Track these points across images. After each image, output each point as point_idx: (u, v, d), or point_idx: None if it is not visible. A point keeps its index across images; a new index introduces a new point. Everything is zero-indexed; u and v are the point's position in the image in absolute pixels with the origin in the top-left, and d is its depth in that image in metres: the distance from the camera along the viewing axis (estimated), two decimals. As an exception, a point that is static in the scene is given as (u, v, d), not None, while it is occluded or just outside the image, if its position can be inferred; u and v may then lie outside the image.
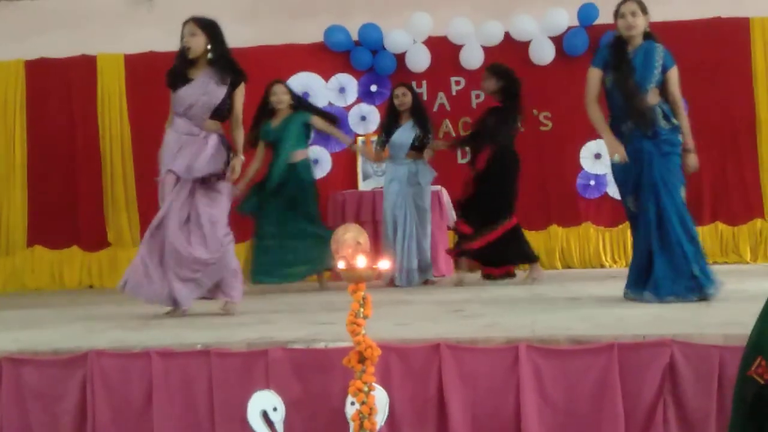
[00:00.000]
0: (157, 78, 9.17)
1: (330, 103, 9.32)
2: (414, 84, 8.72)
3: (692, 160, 5.42)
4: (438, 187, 8.35)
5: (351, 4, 9.36)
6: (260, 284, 7.36)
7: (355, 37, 9.23)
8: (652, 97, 5.29)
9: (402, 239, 7.59)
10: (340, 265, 3.32)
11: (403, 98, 7.71)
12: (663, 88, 5.39)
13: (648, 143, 5.25)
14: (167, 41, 9.28)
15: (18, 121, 9.55)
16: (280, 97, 7.58)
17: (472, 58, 9.14)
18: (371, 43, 9.18)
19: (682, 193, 5.32)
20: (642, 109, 5.23)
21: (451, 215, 8.24)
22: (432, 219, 8.00)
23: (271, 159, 7.57)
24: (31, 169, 9.53)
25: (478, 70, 9.17)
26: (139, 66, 9.36)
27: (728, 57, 8.96)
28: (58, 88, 9.48)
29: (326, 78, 9.35)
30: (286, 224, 7.45)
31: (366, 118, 9.31)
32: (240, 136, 5.77)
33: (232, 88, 5.55)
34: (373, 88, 9.31)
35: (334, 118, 7.92)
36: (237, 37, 9.25)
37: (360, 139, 9.26)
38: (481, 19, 9.11)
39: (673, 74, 5.38)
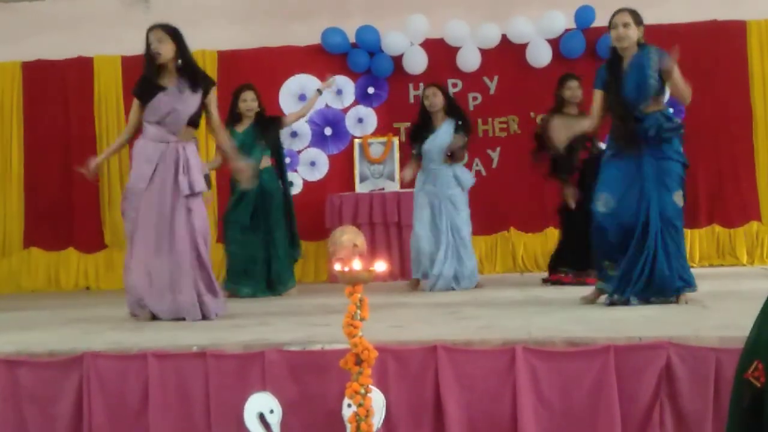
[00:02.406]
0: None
1: (327, 105, 9.33)
2: (416, 85, 8.76)
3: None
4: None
5: (348, 6, 9.37)
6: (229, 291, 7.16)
7: (352, 39, 9.23)
8: (654, 105, 5.27)
9: (443, 246, 7.24)
10: (337, 267, 3.32)
11: (434, 99, 7.32)
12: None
13: (644, 152, 5.27)
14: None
15: (15, 122, 9.54)
16: (250, 104, 7.50)
17: (469, 60, 9.14)
18: (368, 45, 9.18)
19: (679, 200, 5.29)
20: (630, 134, 5.27)
21: None
22: None
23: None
24: (27, 171, 9.52)
25: (475, 72, 9.19)
26: (135, 68, 9.16)
27: (724, 60, 8.98)
28: (55, 90, 9.47)
29: (323, 80, 9.34)
30: (249, 234, 7.39)
31: (363, 121, 9.31)
32: (227, 139, 5.74)
33: (204, 95, 5.51)
34: (370, 90, 9.31)
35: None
36: (234, 39, 9.37)
37: (357, 141, 9.28)
38: (478, 21, 9.12)
39: (672, 71, 5.33)
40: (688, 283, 5.23)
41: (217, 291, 5.43)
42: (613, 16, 5.42)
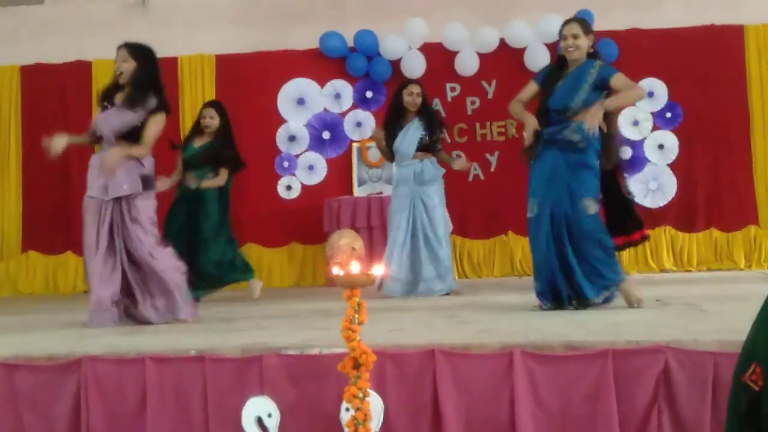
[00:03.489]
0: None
1: (325, 109, 9.34)
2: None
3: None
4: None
5: (346, 10, 9.38)
6: None
7: (350, 43, 9.24)
8: (580, 116, 5.27)
9: (402, 246, 7.10)
10: (335, 270, 3.32)
11: (417, 98, 7.24)
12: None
13: (561, 156, 5.35)
14: (162, 47, 9.32)
15: (13, 126, 9.55)
16: (208, 122, 7.50)
17: (468, 64, 9.15)
18: (366, 49, 9.19)
19: (593, 208, 5.30)
20: (531, 141, 5.44)
21: None
22: None
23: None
24: (26, 175, 9.53)
25: (473, 76, 9.20)
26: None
27: (722, 64, 9.00)
28: (54, 94, 9.48)
29: (321, 84, 9.36)
30: (183, 233, 7.28)
31: (361, 125, 9.32)
32: (137, 151, 5.52)
33: (148, 114, 5.49)
34: (369, 94, 9.32)
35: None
36: (232, 42, 9.38)
37: (355, 145, 9.29)
38: (476, 25, 9.13)
39: (617, 81, 5.32)
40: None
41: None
42: (562, 26, 5.50)
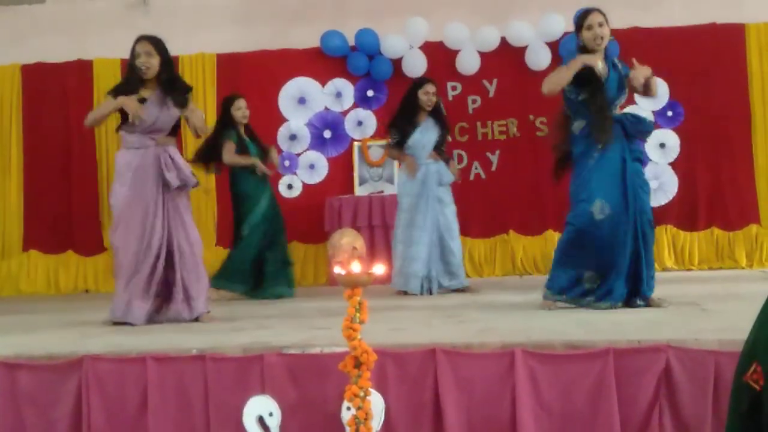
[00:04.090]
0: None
1: (326, 108, 9.34)
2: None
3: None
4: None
5: (347, 9, 9.37)
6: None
7: (351, 42, 9.24)
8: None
9: (426, 244, 7.10)
10: (337, 270, 3.32)
11: (433, 98, 7.23)
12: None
13: (626, 147, 5.31)
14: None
15: (14, 125, 9.55)
16: (245, 112, 7.60)
17: (469, 63, 9.15)
18: (368, 48, 9.19)
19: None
20: (607, 125, 5.22)
21: None
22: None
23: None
24: (27, 174, 9.53)
25: (474, 75, 9.20)
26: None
27: (723, 63, 8.99)
28: (55, 93, 9.48)
29: (323, 83, 9.36)
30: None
31: (362, 123, 9.32)
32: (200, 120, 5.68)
33: (184, 106, 5.55)
34: (370, 93, 9.31)
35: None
36: (233, 42, 9.38)
37: (356, 144, 9.28)
38: (477, 24, 9.13)
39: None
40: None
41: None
42: (586, 16, 5.40)
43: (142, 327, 5.16)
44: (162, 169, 5.41)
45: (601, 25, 5.34)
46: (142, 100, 5.44)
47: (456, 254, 7.22)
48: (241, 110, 7.54)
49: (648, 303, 5.20)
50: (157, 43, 5.50)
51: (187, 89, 5.64)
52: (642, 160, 5.45)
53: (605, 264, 5.19)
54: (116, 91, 5.49)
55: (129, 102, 5.35)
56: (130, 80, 5.51)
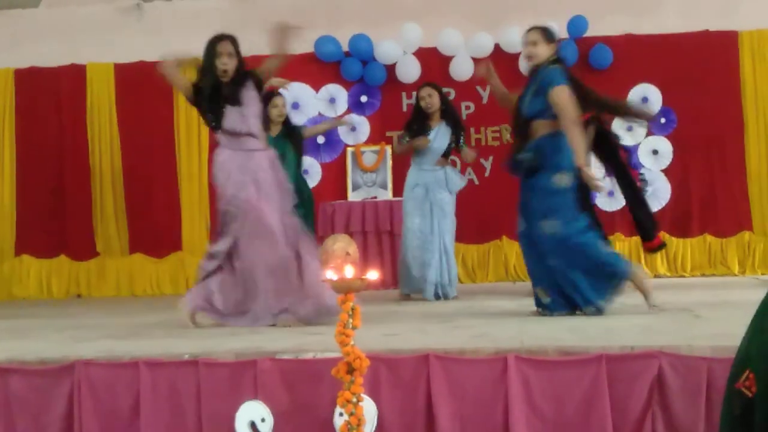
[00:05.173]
0: (147, 87, 9.27)
1: (320, 114, 9.34)
2: (409, 93, 8.80)
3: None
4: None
5: (341, 14, 9.38)
6: None
7: (345, 47, 9.25)
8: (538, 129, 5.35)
9: (437, 251, 7.11)
10: (330, 275, 3.31)
11: (430, 99, 7.16)
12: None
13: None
14: (157, 51, 9.31)
15: (7, 129, 9.55)
16: (281, 110, 7.33)
17: (462, 69, 9.16)
18: (361, 53, 9.20)
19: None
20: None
21: None
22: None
23: None
24: (19, 178, 9.52)
25: (468, 81, 9.21)
26: (128, 75, 9.37)
27: (717, 70, 9.02)
28: (48, 97, 9.48)
29: (316, 88, 9.36)
30: None
31: (356, 129, 9.32)
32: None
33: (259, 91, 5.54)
34: (363, 98, 9.33)
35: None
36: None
37: (350, 149, 9.28)
38: (471, 30, 9.15)
39: (554, 96, 5.21)
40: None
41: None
42: (525, 34, 5.48)
43: (135, 332, 5.14)
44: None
45: (534, 43, 5.40)
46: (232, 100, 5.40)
47: (453, 266, 7.26)
48: (277, 108, 7.26)
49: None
50: (237, 44, 5.43)
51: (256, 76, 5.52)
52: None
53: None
54: (205, 100, 5.38)
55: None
56: (210, 83, 5.35)
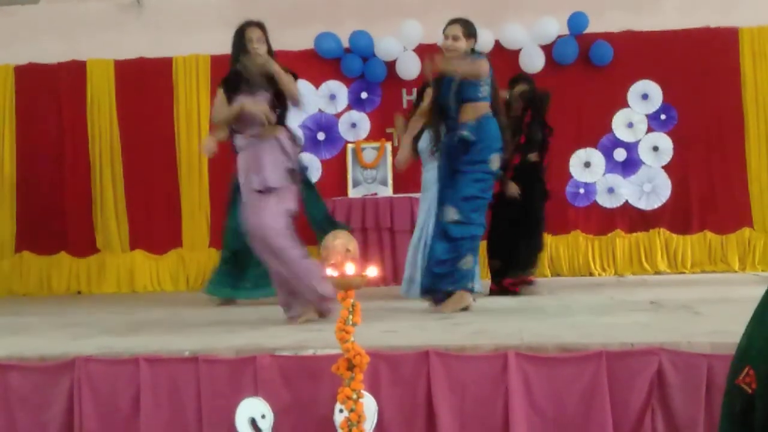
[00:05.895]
0: (147, 83, 9.25)
1: (320, 110, 9.33)
2: (410, 90, 8.81)
3: None
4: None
5: (341, 11, 9.36)
6: None
7: (345, 44, 9.23)
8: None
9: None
10: (330, 272, 3.31)
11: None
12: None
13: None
14: (157, 47, 9.34)
15: (7, 126, 9.52)
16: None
17: (463, 65, 9.14)
18: (362, 50, 9.18)
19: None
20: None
21: None
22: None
23: None
24: (20, 175, 9.50)
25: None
26: (128, 71, 9.35)
27: (717, 67, 9.00)
28: (48, 94, 9.46)
29: (316, 85, 9.34)
30: None
31: (356, 126, 9.31)
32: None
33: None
34: (364, 95, 9.31)
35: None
36: (227, 43, 9.25)
37: (350, 146, 9.27)
38: (471, 27, 9.12)
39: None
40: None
41: None
42: (446, 26, 5.64)
43: (135, 328, 5.14)
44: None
45: (455, 38, 5.52)
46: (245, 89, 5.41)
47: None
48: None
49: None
50: (265, 30, 5.41)
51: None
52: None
53: None
54: (231, 84, 5.38)
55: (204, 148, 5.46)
56: (240, 71, 5.36)
